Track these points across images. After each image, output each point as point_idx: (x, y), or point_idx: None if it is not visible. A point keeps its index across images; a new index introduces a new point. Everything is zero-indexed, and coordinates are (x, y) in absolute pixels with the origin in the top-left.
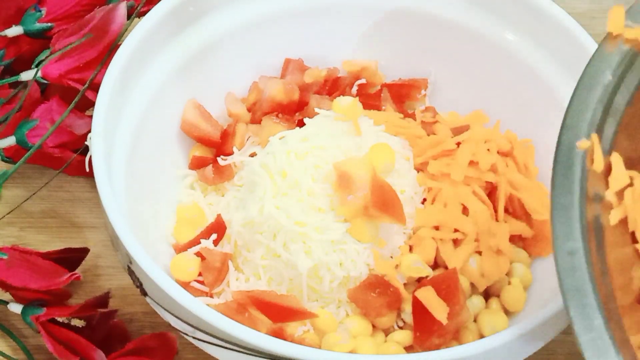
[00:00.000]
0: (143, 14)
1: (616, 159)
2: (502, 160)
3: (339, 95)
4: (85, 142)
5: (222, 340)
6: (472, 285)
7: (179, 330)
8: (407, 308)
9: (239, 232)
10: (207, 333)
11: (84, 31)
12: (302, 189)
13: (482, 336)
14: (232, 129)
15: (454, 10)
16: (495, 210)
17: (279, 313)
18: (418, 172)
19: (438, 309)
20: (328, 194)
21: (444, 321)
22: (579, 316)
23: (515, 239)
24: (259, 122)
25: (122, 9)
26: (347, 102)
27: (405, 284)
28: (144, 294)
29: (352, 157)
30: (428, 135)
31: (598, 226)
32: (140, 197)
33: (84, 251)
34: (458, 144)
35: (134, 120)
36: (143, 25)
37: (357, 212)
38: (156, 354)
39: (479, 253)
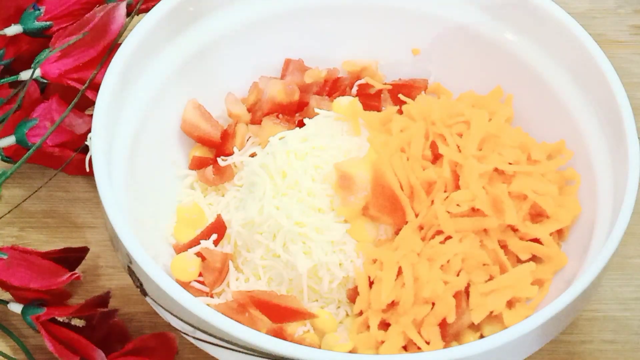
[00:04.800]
0: (142, 11)
1: None
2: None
3: (339, 96)
4: (85, 142)
5: (222, 340)
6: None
7: (179, 330)
8: None
9: (239, 232)
10: (207, 333)
11: (83, 30)
12: (302, 190)
13: (482, 336)
14: (233, 129)
15: (454, 11)
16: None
17: (279, 313)
18: None
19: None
20: (328, 194)
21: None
22: None
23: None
24: (259, 122)
25: (122, 9)
26: (347, 102)
27: None
28: (144, 294)
29: (353, 157)
30: None
31: None
32: (140, 197)
33: (83, 251)
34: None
35: (134, 120)
36: (143, 25)
37: (358, 213)
38: (156, 354)
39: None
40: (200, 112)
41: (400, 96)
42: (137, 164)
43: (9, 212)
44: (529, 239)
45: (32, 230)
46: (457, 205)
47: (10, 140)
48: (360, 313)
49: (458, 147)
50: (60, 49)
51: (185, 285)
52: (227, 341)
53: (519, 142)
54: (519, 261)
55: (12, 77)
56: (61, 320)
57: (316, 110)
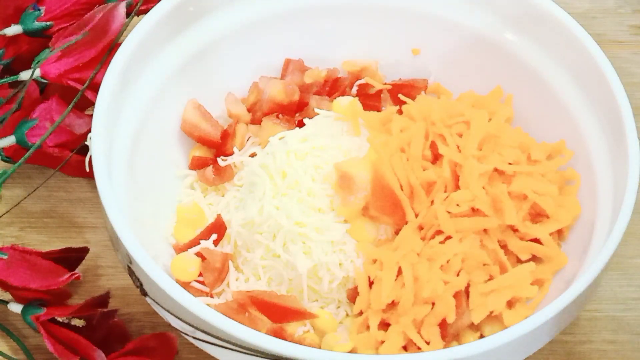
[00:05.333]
0: (142, 12)
1: None
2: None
3: (339, 96)
4: (85, 142)
5: (222, 340)
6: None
7: (179, 330)
8: None
9: (239, 233)
10: (207, 333)
11: (83, 30)
12: (301, 190)
13: (482, 336)
14: (232, 129)
15: (454, 10)
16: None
17: (279, 313)
18: None
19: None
20: (328, 194)
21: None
22: None
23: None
24: (259, 122)
25: (121, 9)
26: (347, 102)
27: None
28: (144, 294)
29: (353, 157)
30: None
31: None
32: (141, 197)
33: (83, 251)
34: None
35: (134, 120)
36: (143, 25)
37: (358, 213)
38: (156, 354)
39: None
40: (200, 112)
41: (400, 96)
42: (137, 164)
43: (7, 211)
44: (529, 239)
45: (32, 230)
46: (457, 205)
47: (10, 140)
48: (360, 313)
49: (458, 147)
50: (60, 49)
51: (186, 285)
52: (227, 341)
53: (519, 142)
54: (519, 261)
55: (12, 77)
56: (61, 320)
57: (316, 110)
